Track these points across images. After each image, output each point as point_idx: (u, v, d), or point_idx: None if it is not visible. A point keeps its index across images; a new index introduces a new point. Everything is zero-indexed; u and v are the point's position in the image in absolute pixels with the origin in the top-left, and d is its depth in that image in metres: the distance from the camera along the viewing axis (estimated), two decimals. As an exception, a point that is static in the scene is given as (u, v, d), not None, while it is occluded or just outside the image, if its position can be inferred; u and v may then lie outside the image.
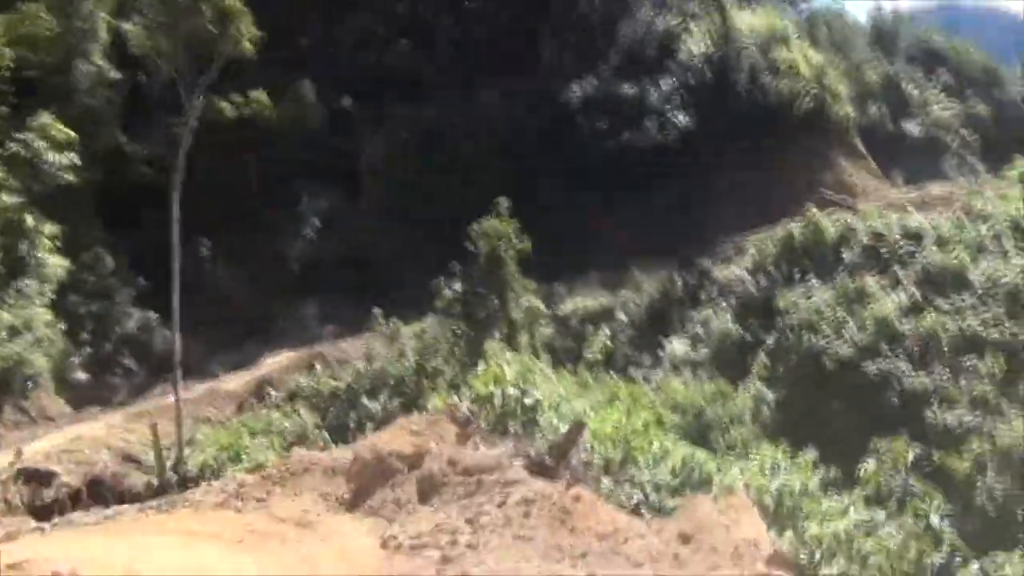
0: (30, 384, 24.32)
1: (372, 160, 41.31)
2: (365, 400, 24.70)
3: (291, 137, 38.64)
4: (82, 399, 26.24)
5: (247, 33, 35.64)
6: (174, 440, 20.26)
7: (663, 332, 31.36)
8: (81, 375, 27.18)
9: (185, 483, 19.26)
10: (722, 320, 30.26)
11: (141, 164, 36.17)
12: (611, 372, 27.82)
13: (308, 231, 37.95)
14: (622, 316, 32.69)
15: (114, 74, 34.99)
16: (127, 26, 32.11)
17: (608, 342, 29.16)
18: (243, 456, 19.77)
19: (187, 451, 19.91)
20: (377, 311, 26.56)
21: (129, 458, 20.25)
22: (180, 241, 21.35)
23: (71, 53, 31.51)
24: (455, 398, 12.46)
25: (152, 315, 30.65)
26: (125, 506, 18.49)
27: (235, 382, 27.09)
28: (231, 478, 12.30)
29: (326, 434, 23.04)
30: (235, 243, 35.21)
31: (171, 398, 25.87)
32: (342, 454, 10.20)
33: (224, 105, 36.62)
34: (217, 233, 34.76)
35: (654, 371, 29.10)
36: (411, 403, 24.70)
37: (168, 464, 19.52)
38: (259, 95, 37.74)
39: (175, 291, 20.70)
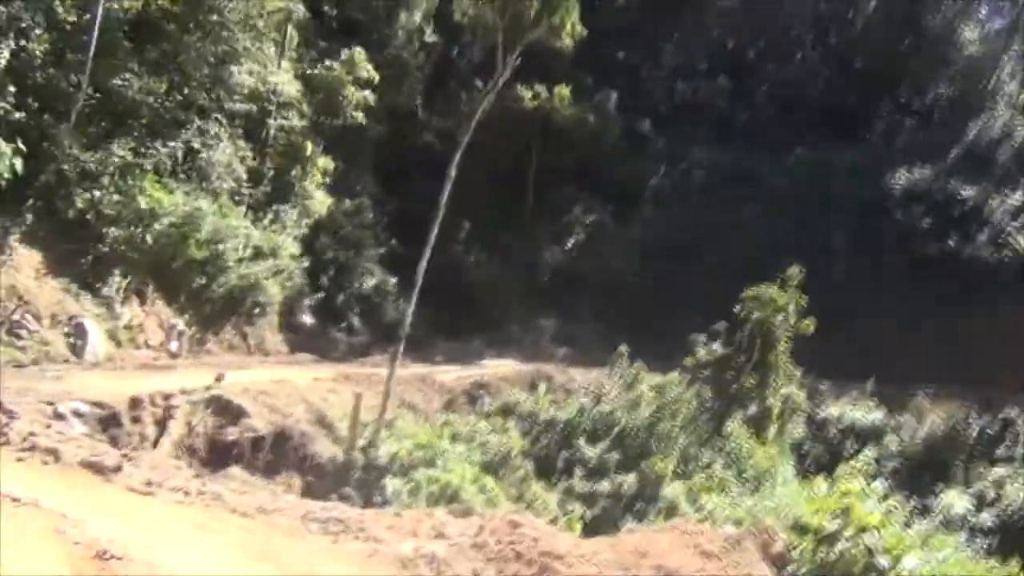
0: (257, 311, 23.22)
1: (658, 190, 38.40)
2: (582, 442, 21.60)
3: (578, 144, 36.52)
4: (301, 343, 25.01)
5: (569, 25, 33.88)
6: (374, 418, 18.05)
7: (939, 478, 25.97)
8: (307, 318, 26.03)
9: (370, 468, 17.01)
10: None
11: (429, 133, 35.43)
12: (867, 504, 22.98)
13: (569, 242, 35.51)
14: (893, 442, 27.48)
15: (430, 37, 34.35)
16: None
17: (873, 465, 24.20)
18: (438, 462, 17.22)
19: (383, 434, 17.60)
20: (623, 349, 23.33)
21: (323, 420, 18.27)
22: (442, 217, 19.20)
23: (398, 2, 30.92)
24: (760, 519, 8.92)
25: (392, 280, 29.23)
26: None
27: (451, 375, 24.86)
28: (427, 514, 9.66)
29: (528, 464, 20.20)
30: (493, 235, 33.43)
31: (384, 370, 24.07)
32: (591, 547, 7.14)
33: (525, 93, 35.15)
34: (478, 220, 33.09)
35: (918, 520, 23.83)
36: (633, 462, 21.38)
37: (359, 442, 17.32)
38: (562, 90, 35.92)
39: (422, 266, 18.54)
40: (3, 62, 18.67)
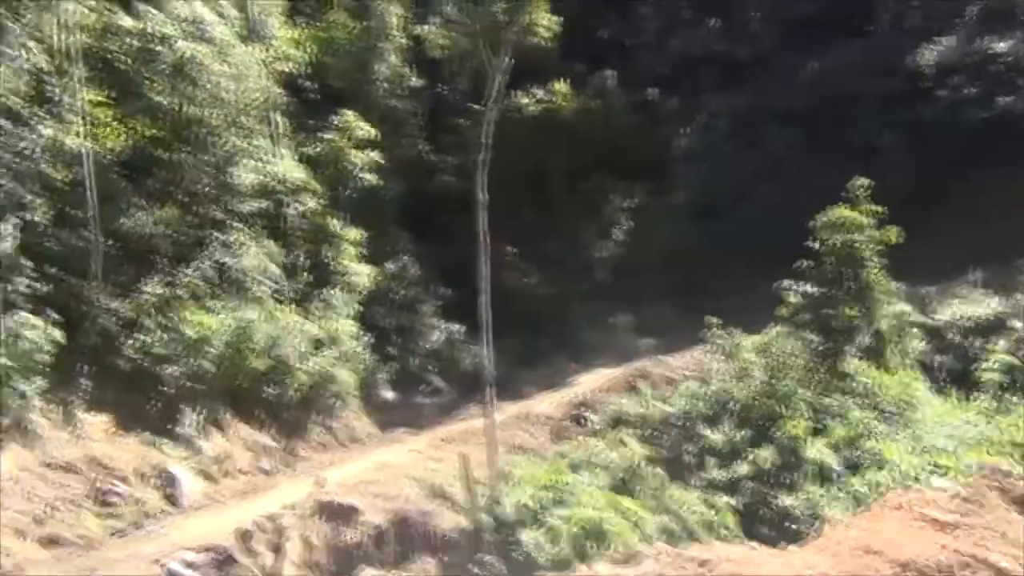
0: (336, 402, 22.37)
1: (684, 152, 36.99)
2: (704, 429, 20.27)
3: (593, 133, 35.35)
4: (389, 419, 24.11)
5: (541, 20, 32.89)
6: (487, 474, 16.98)
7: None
8: (388, 393, 25.15)
9: (501, 527, 15.89)
10: None
11: (444, 174, 34.61)
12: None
13: (615, 233, 34.27)
14: (1019, 326, 25.61)
15: (414, 80, 33.55)
16: (422, 28, 30.64)
17: (1011, 358, 22.44)
18: (567, 498, 16.05)
19: (501, 486, 16.50)
20: (711, 320, 21.98)
21: (437, 493, 17.25)
22: (485, 248, 18.19)
23: (369, 55, 30.12)
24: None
25: (457, 328, 28.25)
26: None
27: (547, 403, 23.73)
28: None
29: (657, 470, 18.89)
30: (538, 249, 32.32)
31: (479, 420, 23.03)
32: (802, 560, 5.88)
33: (524, 100, 34.20)
34: (519, 239, 31.97)
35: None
36: (763, 434, 19.99)
37: (481, 502, 16.24)
38: (559, 86, 34.88)
39: (484, 303, 17.53)
40: (13, 241, 18.21)
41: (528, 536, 15.28)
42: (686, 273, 31.53)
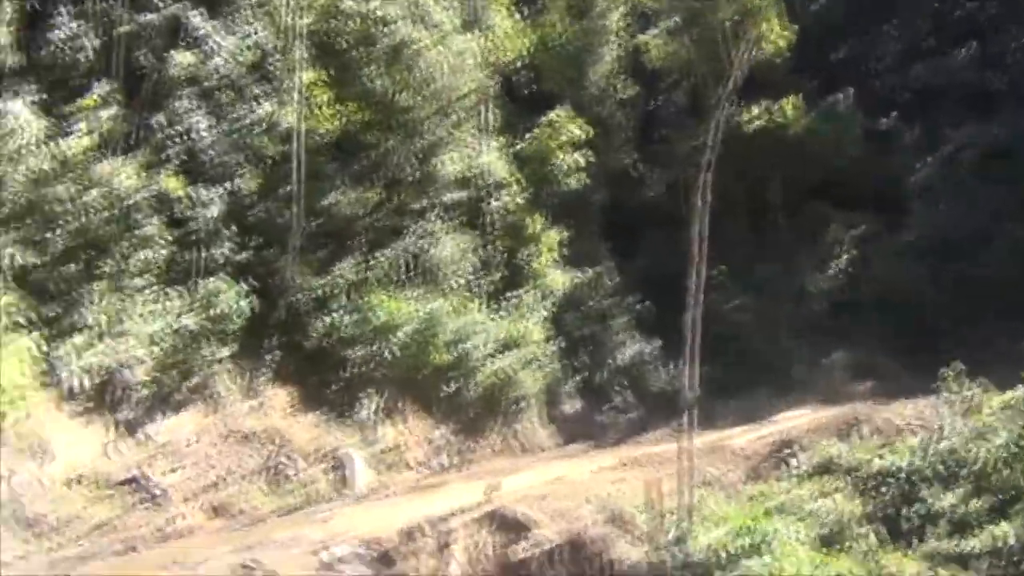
0: (517, 407, 21.22)
1: (921, 186, 33.37)
2: (929, 490, 17.41)
3: (820, 156, 32.53)
4: (570, 432, 22.68)
5: (776, 34, 30.56)
6: (675, 506, 15.16)
7: None
8: (571, 405, 23.73)
9: (686, 568, 14.02)
10: None
11: (650, 188, 32.97)
12: None
13: (834, 264, 31.23)
14: None
15: (628, 89, 32.10)
16: (642, 36, 29.30)
17: None
18: (766, 548, 13.94)
19: (691, 524, 14.63)
20: (953, 367, 19.03)
21: (617, 518, 15.62)
22: (701, 257, 16.42)
23: (585, 57, 28.93)
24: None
25: (649, 345, 26.43)
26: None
27: (745, 438, 21.45)
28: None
29: (870, 530, 16.31)
30: (748, 272, 29.86)
31: (668, 446, 21.18)
32: None
33: (746, 116, 31.92)
34: (729, 259, 29.68)
35: None
36: (1003, 506, 16.90)
37: (666, 537, 14.45)
38: (788, 103, 32.29)
39: (693, 319, 15.76)
40: (221, 206, 18.34)
41: (718, 583, 13.35)
42: (912, 315, 28.15)
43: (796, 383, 26.35)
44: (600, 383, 25.08)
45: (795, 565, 13.42)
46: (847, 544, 15.59)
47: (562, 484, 16.49)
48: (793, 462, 19.86)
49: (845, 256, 31.55)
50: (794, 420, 23.28)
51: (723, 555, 13.97)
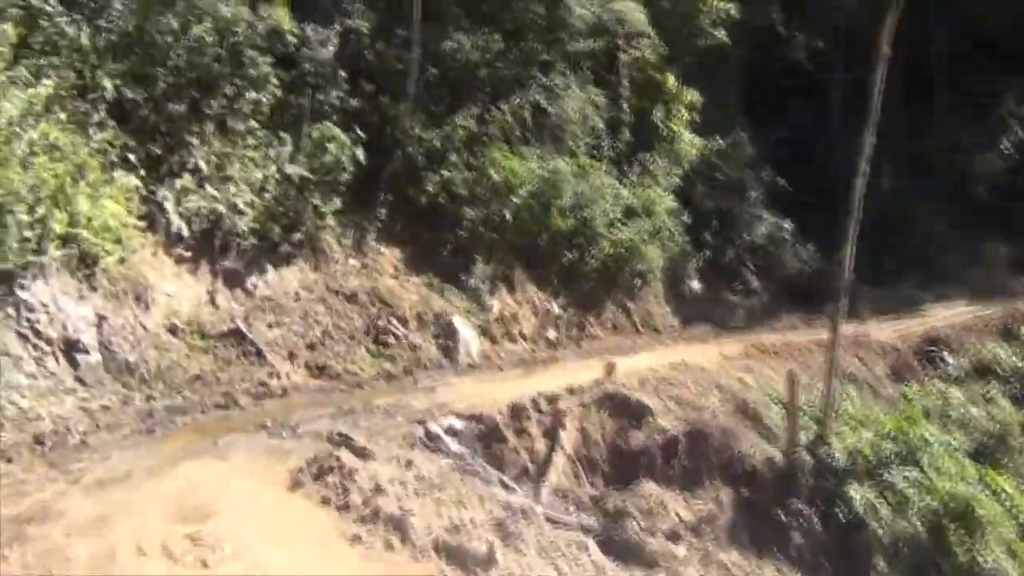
0: (638, 282, 19.71)
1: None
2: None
3: (997, 15, 28.47)
4: (692, 313, 21.15)
5: None
6: (812, 401, 13.65)
7: None
8: (695, 283, 22.05)
9: (823, 472, 12.59)
10: None
11: (793, 50, 29.82)
12: None
13: (1004, 143, 27.84)
14: None
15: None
16: None
17: None
18: (920, 457, 12.34)
19: (832, 425, 13.11)
20: None
21: (745, 411, 14.24)
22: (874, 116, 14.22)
23: None
24: None
25: (785, 224, 24.30)
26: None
27: (889, 331, 19.53)
28: None
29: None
30: (902, 148, 26.92)
31: (801, 335, 19.49)
32: None
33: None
34: (881, 134, 26.75)
35: None
36: None
37: (801, 437, 12.99)
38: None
39: (857, 189, 13.72)
40: (334, 47, 16.98)
41: (858, 493, 11.89)
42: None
43: (948, 274, 23.97)
44: (727, 262, 23.28)
45: (950, 479, 11.78)
46: (1006, 459, 13.88)
47: (686, 370, 15.09)
48: (944, 361, 17.98)
49: (1016, 134, 28.09)
50: (945, 315, 21.15)
51: (866, 462, 12.48)
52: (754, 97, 27.31)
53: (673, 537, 11.52)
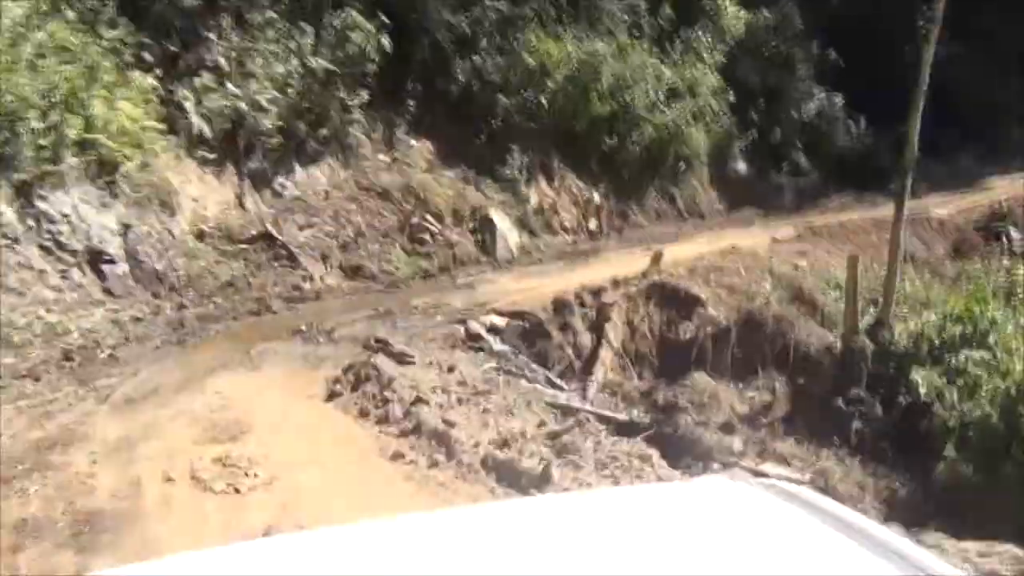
0: (682, 166, 18.82)
1: None
2: None
3: None
4: (739, 196, 20.25)
5: None
6: (873, 286, 12.93)
7: None
8: (741, 165, 21.05)
9: (886, 357, 11.96)
10: None
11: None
12: None
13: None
14: None
15: None
16: None
17: None
18: (991, 339, 11.63)
19: (895, 309, 12.41)
20: None
21: (800, 297, 13.57)
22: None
23: None
24: None
25: (837, 99, 23.01)
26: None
27: (948, 208, 18.52)
28: None
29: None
30: (968, 18, 25.08)
31: (854, 215, 18.59)
32: None
33: None
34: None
35: None
36: None
37: (863, 322, 12.33)
38: None
39: (926, 56, 12.61)
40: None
41: (924, 378, 11.28)
42: None
43: (1012, 148, 22.59)
44: (775, 143, 22.14)
45: (1020, 361, 11.10)
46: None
47: (735, 256, 14.40)
48: (1009, 237, 17.02)
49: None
50: (1008, 188, 20.00)
51: (931, 345, 11.81)
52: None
53: (727, 429, 11.07)
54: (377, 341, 9.34)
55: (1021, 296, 13.83)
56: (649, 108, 17.72)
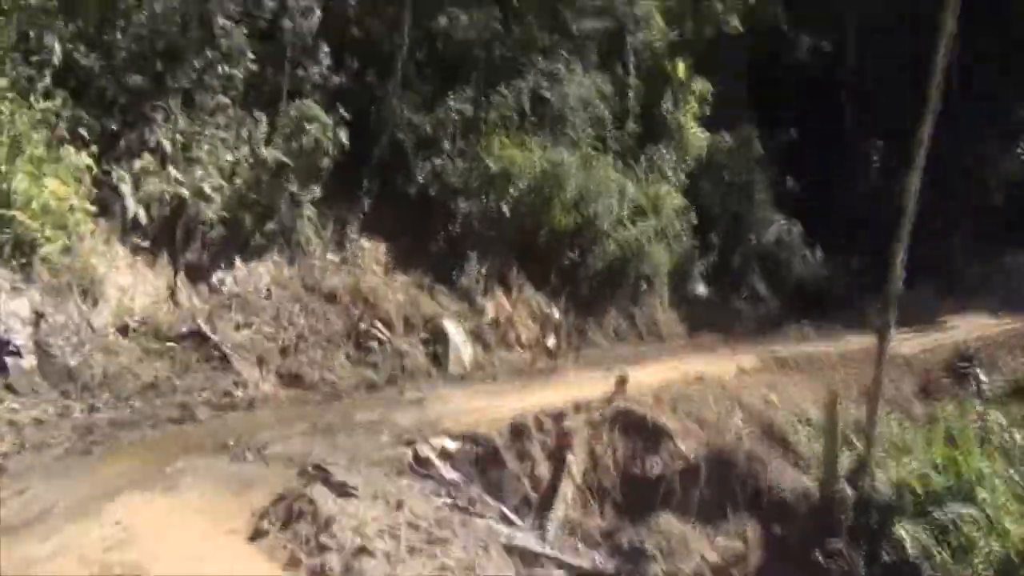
0: (643, 286, 18.17)
1: None
2: None
3: (1015, 22, 27.22)
4: (698, 320, 19.63)
5: None
6: (843, 426, 12.15)
7: None
8: (701, 288, 20.54)
9: (866, 509, 11.06)
10: None
11: (798, 51, 28.43)
12: None
13: (1022, 149, 26.56)
14: None
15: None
16: None
17: None
18: (978, 491, 10.84)
19: (875, 454, 11.59)
20: None
21: (771, 433, 12.71)
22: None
23: None
24: None
25: (795, 228, 22.88)
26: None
27: (912, 345, 18.06)
28: None
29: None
30: (911, 151, 25.50)
31: (818, 346, 18.05)
32: None
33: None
34: (889, 134, 25.50)
35: None
36: None
37: (840, 468, 11.46)
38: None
39: (911, 186, 12.25)
40: (316, 20, 15.27)
41: (910, 533, 10.38)
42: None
43: (967, 284, 22.58)
44: (735, 267, 21.77)
45: (1018, 521, 10.28)
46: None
47: (703, 385, 13.53)
48: (978, 380, 16.53)
49: (1034, 140, 26.87)
50: (971, 328, 19.74)
51: (915, 495, 10.96)
52: (762, 96, 25.88)
53: (700, 583, 9.97)
54: (315, 468, 8.09)
55: (996, 443, 13.18)
56: (613, 224, 17.12)
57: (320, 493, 7.29)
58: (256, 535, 6.83)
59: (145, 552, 6.14)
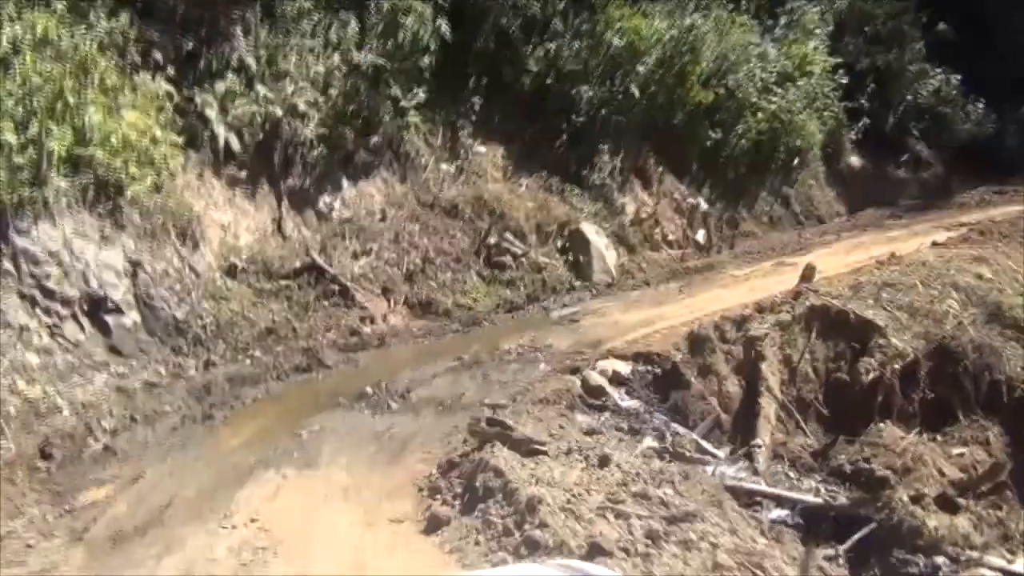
0: (795, 162, 15.87)
1: None
2: None
3: None
4: (856, 195, 17.29)
5: None
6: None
7: None
8: (855, 159, 18.02)
9: None
10: None
11: None
12: None
13: None
14: None
15: None
16: None
17: None
18: None
19: None
20: None
21: (996, 315, 10.52)
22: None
23: None
24: None
25: (954, 78, 19.94)
26: None
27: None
28: None
29: None
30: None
31: (1002, 210, 15.49)
32: None
33: None
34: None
35: None
36: None
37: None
38: None
39: None
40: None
41: None
42: None
43: None
44: (889, 130, 19.09)
45: None
46: None
47: (902, 266, 11.38)
48: None
49: None
50: None
51: None
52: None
53: (949, 507, 8.05)
54: (490, 422, 6.33)
55: None
56: (758, 94, 14.79)
57: (504, 458, 5.58)
58: (432, 525, 5.19)
59: (295, 566, 4.59)
